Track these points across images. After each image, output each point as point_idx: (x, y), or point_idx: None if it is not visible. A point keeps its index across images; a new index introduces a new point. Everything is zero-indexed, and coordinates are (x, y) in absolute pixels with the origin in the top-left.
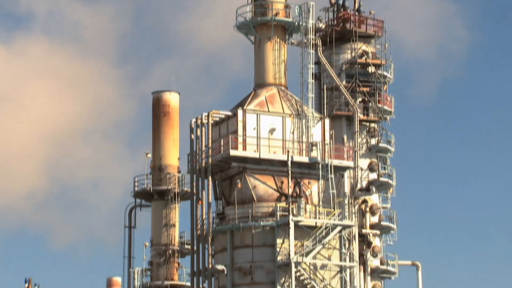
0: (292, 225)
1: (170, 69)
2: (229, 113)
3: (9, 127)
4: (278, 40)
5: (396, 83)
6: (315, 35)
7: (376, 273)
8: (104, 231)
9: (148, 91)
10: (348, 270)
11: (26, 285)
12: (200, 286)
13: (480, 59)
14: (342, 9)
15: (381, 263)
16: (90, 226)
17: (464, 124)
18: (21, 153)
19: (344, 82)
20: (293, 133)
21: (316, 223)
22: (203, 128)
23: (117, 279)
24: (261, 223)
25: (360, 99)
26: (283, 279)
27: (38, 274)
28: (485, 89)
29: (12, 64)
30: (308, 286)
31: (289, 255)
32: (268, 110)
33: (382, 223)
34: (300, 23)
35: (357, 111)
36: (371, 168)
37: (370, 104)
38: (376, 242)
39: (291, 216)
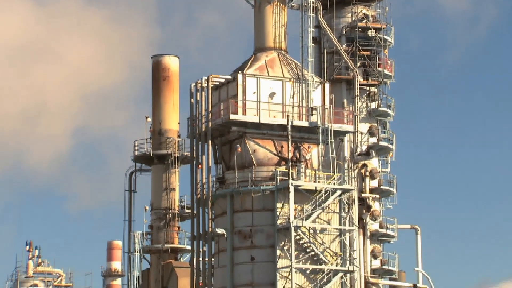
0: (291, 189)
1: (205, 30)
2: (229, 77)
3: (46, 82)
4: (278, 3)
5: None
6: None
7: (376, 237)
8: (119, 195)
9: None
10: (347, 234)
11: (27, 247)
12: (200, 249)
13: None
14: None
15: (381, 227)
16: (110, 190)
17: (467, 89)
18: (54, 113)
19: (344, 46)
20: (293, 97)
21: (315, 187)
22: (203, 92)
23: (118, 242)
24: (261, 187)
25: (360, 63)
26: (283, 242)
27: (49, 236)
28: (504, 57)
29: (51, 21)
30: (308, 250)
31: (288, 219)
32: (268, 74)
33: (381, 187)
34: None
35: (357, 75)
36: (371, 132)
37: (370, 68)
38: (375, 206)
39: (290, 180)
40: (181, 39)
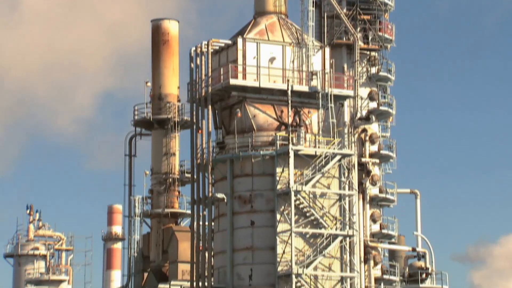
0: (291, 154)
1: None
2: (229, 42)
3: (82, 39)
4: None
5: None
6: None
7: (375, 201)
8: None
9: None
10: (347, 199)
11: (28, 211)
12: (200, 214)
13: None
14: None
15: (380, 192)
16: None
17: (467, 53)
18: (83, 72)
19: (344, 10)
20: (293, 62)
21: (315, 152)
22: (203, 57)
23: (118, 207)
24: (261, 152)
25: (360, 27)
26: (283, 207)
27: (54, 197)
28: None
29: None
30: (308, 214)
31: (288, 183)
32: (268, 38)
33: (381, 152)
34: None
35: (357, 40)
36: (371, 97)
37: (371, 32)
38: (375, 170)
39: (290, 145)
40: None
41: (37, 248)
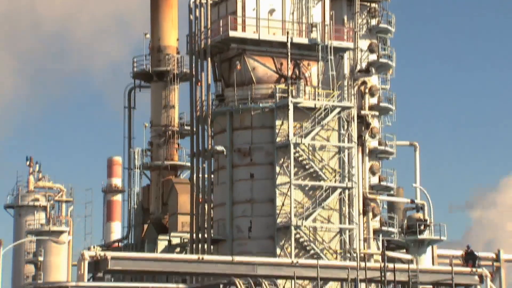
0: (291, 106)
1: None
2: None
3: None
4: None
5: None
6: None
7: (374, 154)
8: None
9: None
10: (346, 151)
11: (28, 163)
12: (200, 166)
13: None
14: None
15: (379, 144)
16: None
17: (469, 5)
18: (123, 18)
19: None
20: (292, 14)
21: (315, 104)
22: (202, 9)
23: (118, 159)
24: (260, 105)
25: None
26: (282, 160)
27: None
28: None
29: None
30: (307, 167)
31: (288, 136)
32: None
33: (381, 104)
34: None
35: None
36: (371, 49)
37: None
38: (374, 123)
39: (290, 98)
40: None
41: (37, 199)
